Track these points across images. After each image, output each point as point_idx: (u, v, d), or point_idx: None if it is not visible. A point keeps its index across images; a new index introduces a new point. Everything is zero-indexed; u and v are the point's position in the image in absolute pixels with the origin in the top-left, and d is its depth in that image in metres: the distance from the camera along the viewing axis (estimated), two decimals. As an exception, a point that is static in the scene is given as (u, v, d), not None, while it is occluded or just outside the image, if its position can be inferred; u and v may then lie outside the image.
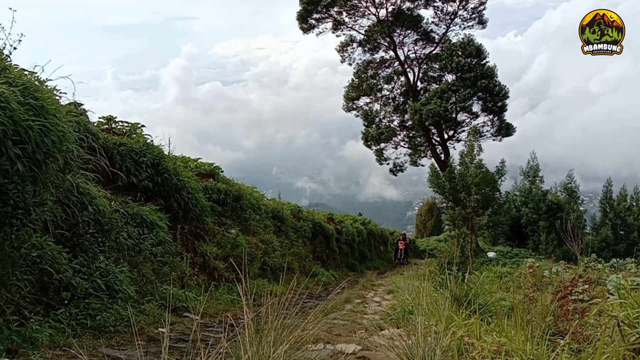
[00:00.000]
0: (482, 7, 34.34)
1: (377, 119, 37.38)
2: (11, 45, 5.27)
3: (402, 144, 37.60)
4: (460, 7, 34.45)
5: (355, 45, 37.37)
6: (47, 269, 4.81)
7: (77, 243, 5.61)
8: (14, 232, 4.36)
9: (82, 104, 7.10)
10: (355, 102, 37.75)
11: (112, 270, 5.72)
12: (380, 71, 37.85)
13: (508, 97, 34.53)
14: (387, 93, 37.68)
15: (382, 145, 37.27)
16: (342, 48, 37.57)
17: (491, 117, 34.95)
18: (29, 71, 5.34)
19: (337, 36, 37.29)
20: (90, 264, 5.54)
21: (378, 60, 37.68)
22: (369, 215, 34.95)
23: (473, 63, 32.85)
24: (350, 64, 38.02)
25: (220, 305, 7.44)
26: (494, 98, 33.77)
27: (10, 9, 5.17)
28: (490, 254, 25.29)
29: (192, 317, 6.21)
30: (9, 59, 5.24)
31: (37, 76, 5.48)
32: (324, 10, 35.48)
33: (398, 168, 38.13)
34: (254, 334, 3.07)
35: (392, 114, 37.61)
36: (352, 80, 37.80)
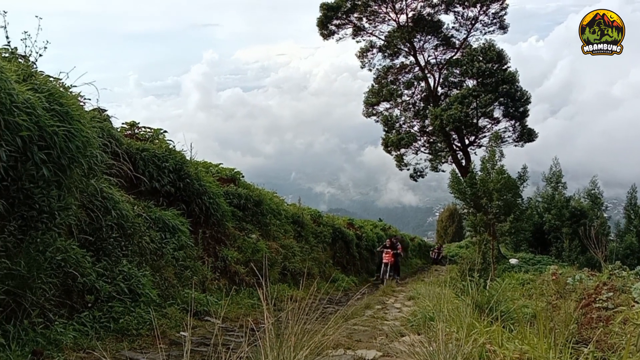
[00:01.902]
0: (503, 12, 34.03)
1: (397, 124, 37.23)
2: (37, 53, 5.40)
3: (422, 149, 37.38)
4: (481, 13, 34.18)
5: (375, 50, 37.33)
6: (72, 273, 4.88)
7: (100, 247, 5.69)
8: (40, 236, 4.43)
9: (105, 110, 7.22)
10: (375, 107, 37.67)
11: (135, 274, 5.79)
12: (400, 77, 37.72)
13: (530, 102, 34.10)
14: (407, 98, 37.54)
15: (402, 150, 37.09)
16: (362, 54, 37.56)
17: (513, 122, 34.54)
18: (54, 78, 5.45)
19: (357, 42, 37.33)
20: (113, 268, 5.61)
21: (398, 65, 37.57)
22: (389, 221, 34.87)
23: (494, 68, 32.54)
24: (370, 70, 38.01)
25: (241, 310, 7.47)
26: (516, 103, 33.38)
27: (37, 16, 5.30)
28: (513, 261, 24.93)
29: (213, 321, 6.24)
30: (34, 66, 5.36)
31: (62, 82, 5.59)
32: (344, 16, 35.53)
33: (418, 174, 37.90)
34: (274, 339, 3.07)
35: (413, 120, 37.42)
36: (372, 85, 37.75)
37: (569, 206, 31.04)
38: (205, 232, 8.68)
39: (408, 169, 37.81)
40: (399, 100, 37.15)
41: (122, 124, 8.33)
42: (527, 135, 34.49)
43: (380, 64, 37.72)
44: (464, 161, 35.21)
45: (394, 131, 36.98)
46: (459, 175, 24.76)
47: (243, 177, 12.01)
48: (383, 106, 37.71)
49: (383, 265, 17.09)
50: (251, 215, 11.13)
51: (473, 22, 34.71)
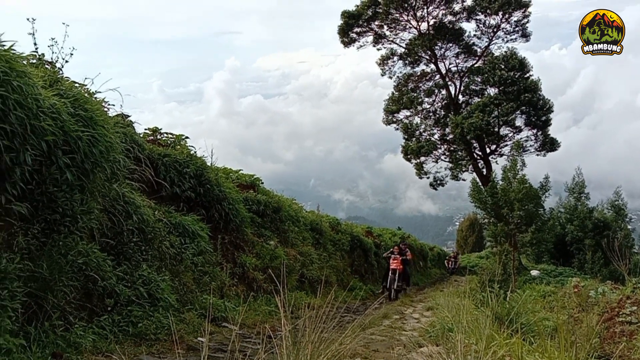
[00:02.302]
0: (525, 20, 33.67)
1: (418, 132, 37.02)
2: (63, 59, 5.50)
3: (442, 157, 37.08)
4: (503, 21, 33.88)
5: (395, 58, 37.25)
6: (92, 276, 4.94)
7: (121, 251, 5.75)
8: (62, 239, 4.50)
9: (129, 116, 7.33)
10: (395, 115, 37.54)
11: (154, 279, 5.84)
12: (421, 84, 37.56)
13: (552, 111, 33.61)
14: (428, 106, 37.32)
15: (422, 158, 36.84)
16: (383, 61, 37.53)
17: (535, 131, 34.09)
18: (79, 83, 5.56)
19: (378, 49, 37.30)
20: (133, 272, 5.66)
21: (419, 73, 37.42)
22: (408, 230, 34.57)
23: (516, 76, 32.19)
24: (390, 77, 37.91)
25: (259, 316, 7.47)
26: (538, 112, 32.95)
27: (64, 23, 5.41)
28: (534, 272, 24.55)
29: (230, 328, 6.26)
30: (61, 72, 5.47)
31: (87, 88, 5.70)
32: (365, 24, 35.57)
33: (438, 182, 37.59)
34: (291, 347, 3.06)
35: (433, 128, 37.18)
36: (393, 93, 37.66)
37: (592, 217, 30.46)
38: (224, 237, 8.72)
39: (428, 177, 37.55)
40: (419, 108, 36.98)
41: (145, 129, 8.45)
42: (549, 145, 34.01)
43: (400, 72, 37.65)
44: (484, 170, 34.83)
45: (414, 139, 36.78)
46: (480, 184, 24.50)
47: (262, 183, 12.06)
48: (403, 114, 37.57)
49: (390, 274, 15.20)
50: (270, 222, 11.16)
51: (495, 30, 34.43)
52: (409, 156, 36.94)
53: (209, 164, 9.01)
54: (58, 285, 4.34)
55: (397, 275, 14.95)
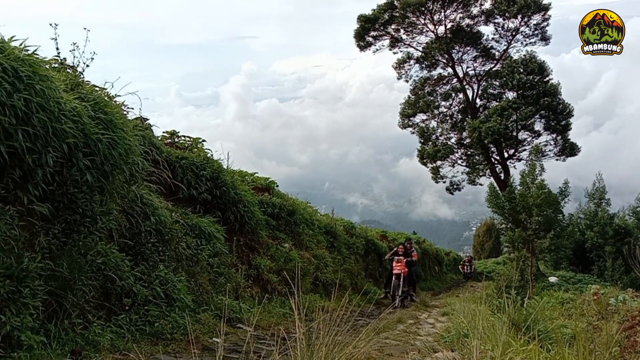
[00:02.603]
0: (545, 24, 33.28)
1: (434, 136, 36.79)
2: (84, 63, 5.62)
3: (459, 162, 36.79)
4: (522, 24, 33.54)
5: (412, 62, 37.08)
6: (111, 276, 5.02)
7: (139, 251, 5.84)
8: (82, 239, 4.59)
9: (147, 119, 7.45)
10: (411, 118, 37.36)
11: (171, 279, 5.91)
12: (437, 88, 37.34)
13: (572, 115, 33.12)
14: (445, 110, 37.08)
15: (439, 163, 36.61)
16: (399, 65, 37.40)
17: (554, 136, 33.63)
18: (99, 87, 5.66)
19: (394, 53, 37.15)
20: (150, 272, 5.74)
21: (435, 77, 37.22)
22: (424, 235, 34.38)
23: (535, 80, 31.81)
24: (406, 81, 37.74)
25: (273, 318, 7.51)
26: (558, 116, 32.52)
27: (85, 29, 5.52)
28: (552, 279, 24.23)
29: (245, 329, 6.30)
30: (82, 76, 5.58)
31: (107, 92, 5.80)
32: (382, 28, 35.49)
33: (455, 187, 37.31)
34: (305, 349, 3.09)
35: (450, 131, 36.92)
36: (409, 97, 37.48)
37: (612, 224, 29.95)
38: (239, 239, 8.79)
39: (444, 182, 37.28)
40: (435, 111, 36.76)
41: (163, 132, 8.56)
42: (569, 149, 33.55)
43: (417, 75, 37.45)
44: (502, 175, 34.49)
45: (430, 143, 36.56)
46: (497, 189, 24.26)
47: (277, 186, 12.12)
48: (419, 117, 37.37)
49: (394, 278, 13.33)
50: (284, 225, 11.20)
51: (514, 33, 34.10)
52: (425, 160, 36.73)
53: (225, 166, 9.10)
54: (77, 284, 4.43)
55: (401, 279, 13.20)
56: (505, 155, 35.03)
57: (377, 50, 36.79)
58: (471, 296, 11.71)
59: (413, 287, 14.23)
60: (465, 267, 31.83)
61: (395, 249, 14.67)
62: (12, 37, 4.13)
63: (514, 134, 33.28)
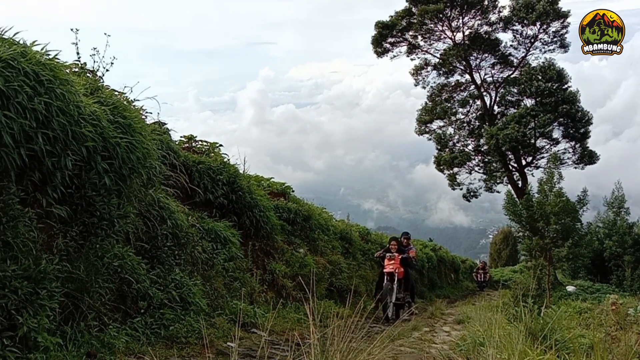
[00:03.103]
0: (564, 31, 32.93)
1: (451, 142, 36.57)
2: (104, 68, 5.70)
3: (476, 169, 36.50)
4: (541, 31, 33.22)
5: (429, 68, 36.94)
6: (127, 279, 5.06)
7: (155, 255, 5.88)
8: (99, 242, 4.63)
9: (165, 124, 7.52)
10: (428, 125, 37.18)
11: (187, 283, 5.93)
12: (455, 94, 37.13)
13: (591, 123, 32.68)
14: (462, 117, 36.83)
15: (456, 169, 36.36)
16: (416, 71, 37.28)
17: (573, 143, 33.21)
18: (118, 92, 5.74)
19: (412, 60, 37.03)
20: (166, 276, 5.77)
21: (453, 83, 37.02)
22: (440, 242, 34.07)
23: (554, 88, 31.49)
24: (424, 87, 37.59)
25: (287, 324, 7.50)
26: (576, 124, 32.11)
27: (105, 34, 5.60)
28: (570, 288, 23.86)
29: (259, 334, 6.30)
30: (101, 80, 5.66)
31: (126, 96, 5.88)
32: (399, 34, 35.45)
33: (472, 194, 36.99)
34: (319, 355, 3.07)
35: (467, 138, 36.66)
36: (426, 103, 37.33)
37: (632, 233, 29.41)
38: (254, 244, 8.80)
39: (461, 189, 37.00)
40: (453, 118, 36.54)
41: (181, 137, 8.64)
42: (587, 158, 33.10)
43: (434, 82, 37.27)
44: (520, 182, 34.14)
45: (447, 150, 36.36)
46: (515, 196, 24.00)
47: (293, 191, 12.13)
48: (436, 124, 37.18)
49: (385, 280, 10.42)
50: (300, 230, 11.20)
51: (532, 40, 33.81)
52: (442, 167, 36.52)
53: (241, 171, 9.13)
54: (94, 287, 4.47)
55: (395, 282, 10.33)
56: (523, 162, 34.68)
57: (395, 56, 36.76)
58: (487, 304, 11.57)
59: (411, 292, 10.92)
60: (479, 275, 29.33)
61: (388, 245, 11.48)
62: (34, 42, 4.20)
63: (532, 141, 32.94)
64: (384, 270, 10.69)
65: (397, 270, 10.49)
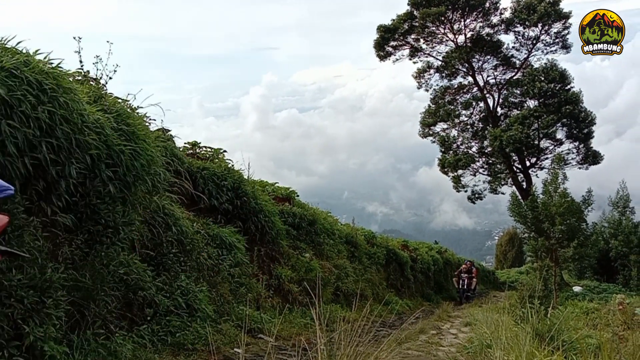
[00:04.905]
0: (566, 32, 32.93)
1: (455, 145, 36.56)
2: (107, 75, 5.70)
3: (480, 170, 36.46)
4: (543, 32, 33.23)
5: (432, 71, 36.99)
6: (133, 286, 5.05)
7: (160, 262, 5.87)
8: (104, 250, 4.63)
9: (169, 130, 7.52)
10: (431, 127, 37.19)
11: (192, 290, 5.92)
12: (458, 97, 37.15)
13: (594, 123, 32.66)
14: (465, 119, 36.83)
15: (460, 172, 36.33)
16: (419, 74, 37.33)
17: (576, 144, 33.16)
18: (122, 99, 5.74)
19: (414, 63, 37.11)
20: (172, 283, 5.76)
21: (456, 86, 37.04)
22: (445, 244, 33.95)
23: (557, 88, 31.47)
24: (427, 90, 37.63)
25: (294, 329, 7.47)
26: (580, 125, 32.07)
27: (108, 41, 5.61)
28: (576, 289, 23.72)
29: (266, 339, 6.28)
30: (105, 88, 5.67)
31: (130, 104, 5.88)
32: (401, 37, 35.51)
33: (477, 196, 36.92)
34: (327, 359, 3.05)
35: (471, 140, 36.65)
36: (429, 106, 37.35)
37: (637, 232, 29.25)
38: (260, 249, 8.79)
39: (466, 191, 36.94)
40: (456, 120, 36.54)
41: (185, 143, 8.64)
42: (591, 158, 33.04)
43: (437, 85, 37.32)
44: (524, 183, 34.06)
45: (451, 152, 36.35)
46: (520, 198, 23.93)
47: (298, 196, 12.12)
48: (440, 126, 37.18)
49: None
50: (305, 234, 11.18)
51: (534, 41, 33.81)
52: (446, 169, 36.50)
53: (245, 177, 9.13)
54: (100, 295, 4.46)
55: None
56: (527, 163, 34.64)
57: (397, 60, 36.87)
58: (494, 306, 11.52)
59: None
60: (460, 281, 19.89)
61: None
62: (36, 51, 4.21)
63: (536, 142, 32.91)
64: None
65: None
